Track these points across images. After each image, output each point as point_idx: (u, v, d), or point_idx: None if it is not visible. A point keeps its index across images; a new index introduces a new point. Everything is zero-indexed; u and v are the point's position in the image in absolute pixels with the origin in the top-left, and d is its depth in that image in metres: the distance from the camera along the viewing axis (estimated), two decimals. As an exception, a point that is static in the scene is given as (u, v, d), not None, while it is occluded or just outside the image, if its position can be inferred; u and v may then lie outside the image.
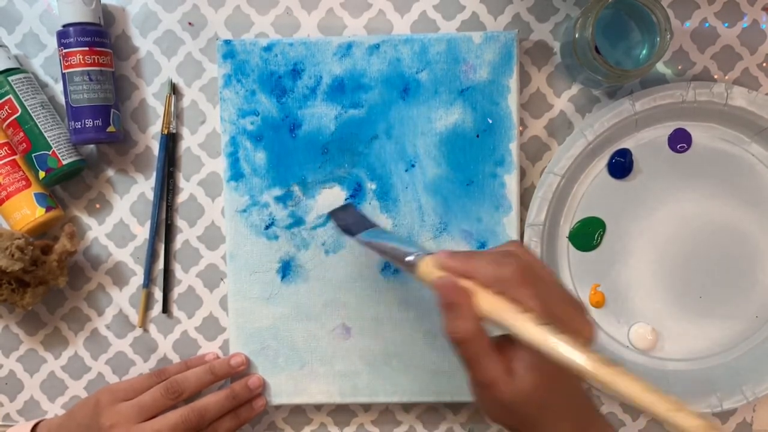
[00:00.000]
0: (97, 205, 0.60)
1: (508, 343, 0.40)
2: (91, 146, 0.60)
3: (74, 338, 0.61)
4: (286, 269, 0.57)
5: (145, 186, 0.60)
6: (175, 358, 0.60)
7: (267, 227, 0.57)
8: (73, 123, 0.56)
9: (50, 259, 0.56)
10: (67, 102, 0.56)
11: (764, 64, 0.58)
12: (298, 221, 0.57)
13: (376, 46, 0.56)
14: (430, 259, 0.42)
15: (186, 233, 0.60)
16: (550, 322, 0.37)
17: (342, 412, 0.60)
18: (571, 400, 0.42)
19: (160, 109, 0.59)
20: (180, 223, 0.60)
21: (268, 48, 0.57)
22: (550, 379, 0.40)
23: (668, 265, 0.58)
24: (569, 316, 0.40)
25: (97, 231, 0.60)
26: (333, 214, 0.55)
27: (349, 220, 0.53)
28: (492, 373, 0.39)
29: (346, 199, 0.57)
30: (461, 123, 0.56)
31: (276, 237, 0.57)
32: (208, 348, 0.60)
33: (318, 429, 0.61)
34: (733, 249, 0.58)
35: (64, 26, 0.56)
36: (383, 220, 0.57)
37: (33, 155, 0.56)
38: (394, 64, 0.56)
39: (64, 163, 0.57)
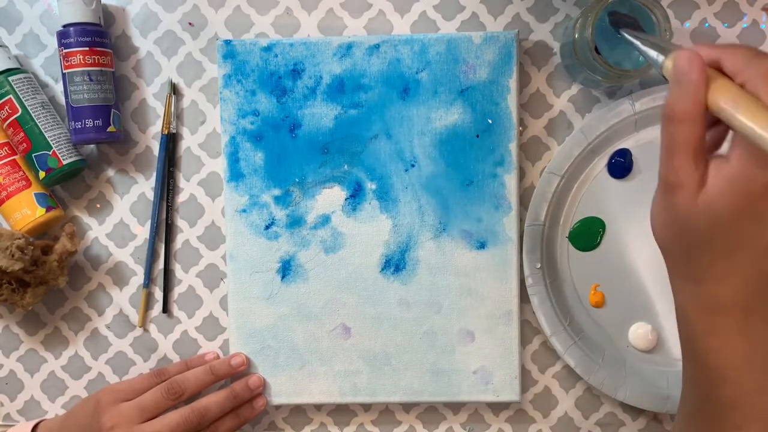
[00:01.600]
0: (98, 205, 0.60)
1: (718, 156, 0.35)
2: (92, 146, 0.60)
3: (74, 338, 0.61)
4: (286, 269, 0.58)
5: (145, 186, 0.60)
6: (175, 358, 0.60)
7: (267, 227, 0.57)
8: (73, 123, 0.56)
9: (50, 259, 0.56)
10: (67, 102, 0.56)
11: (764, 64, 0.58)
12: (298, 221, 0.57)
13: (376, 47, 0.56)
14: (680, 51, 0.36)
15: (186, 233, 0.60)
16: None
17: (342, 411, 0.61)
18: (757, 252, 0.36)
19: (161, 109, 0.59)
20: (180, 223, 0.60)
21: (268, 48, 0.57)
22: (746, 212, 0.34)
23: (668, 265, 0.58)
24: None
25: (97, 231, 0.60)
26: (613, 14, 0.51)
27: (624, 21, 0.49)
28: (683, 174, 0.35)
29: (346, 198, 0.57)
30: (461, 123, 0.56)
31: (276, 237, 0.57)
32: (208, 348, 0.60)
33: (318, 429, 0.61)
34: (732, 249, 0.58)
35: (64, 26, 0.56)
36: (383, 220, 0.57)
37: (33, 155, 0.56)
38: (394, 65, 0.56)
39: (65, 163, 0.57)
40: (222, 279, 0.60)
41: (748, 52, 0.34)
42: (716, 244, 0.36)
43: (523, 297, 0.57)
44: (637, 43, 0.43)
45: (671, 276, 0.40)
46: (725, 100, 0.33)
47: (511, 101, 0.56)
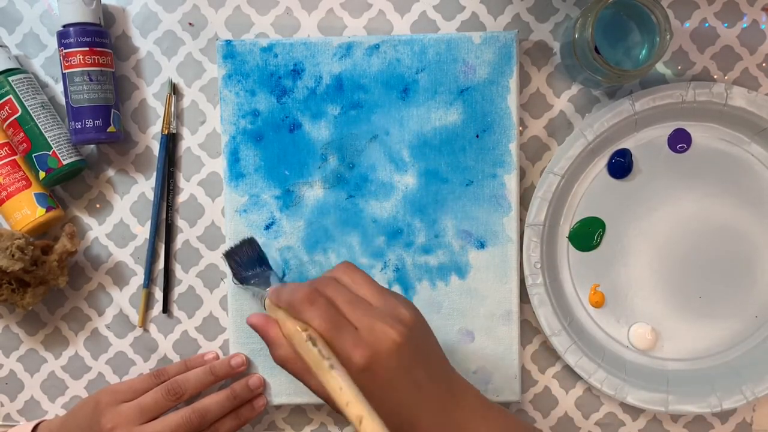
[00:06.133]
0: (98, 205, 0.60)
1: None
2: (92, 146, 0.60)
3: (74, 338, 0.61)
4: (286, 269, 0.58)
5: (145, 186, 0.60)
6: (175, 358, 0.60)
7: (267, 227, 0.57)
8: (73, 123, 0.56)
9: (50, 259, 0.56)
10: (67, 102, 0.56)
11: (764, 64, 0.58)
12: (297, 221, 0.57)
13: (376, 47, 0.56)
14: (252, 316, 0.50)
15: (186, 233, 0.60)
16: (322, 339, 0.43)
17: (342, 412, 0.60)
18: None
19: (161, 109, 0.60)
20: (180, 223, 0.60)
21: (268, 48, 0.57)
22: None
23: (668, 265, 0.58)
24: (367, 325, 0.43)
25: (97, 231, 0.60)
26: (227, 256, 0.55)
27: (241, 262, 0.55)
28: (317, 387, 0.45)
29: (346, 198, 0.57)
30: (461, 123, 0.56)
31: (276, 236, 0.57)
32: (208, 348, 0.60)
33: (318, 429, 0.61)
34: (732, 249, 0.58)
35: (64, 26, 0.56)
36: (383, 220, 0.57)
37: (33, 155, 0.56)
38: (393, 65, 0.56)
39: (65, 163, 0.57)
40: (222, 279, 0.60)
41: (287, 293, 0.46)
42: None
43: (523, 297, 0.57)
44: (253, 290, 0.54)
45: None
46: (287, 336, 0.46)
47: (511, 101, 0.56)
